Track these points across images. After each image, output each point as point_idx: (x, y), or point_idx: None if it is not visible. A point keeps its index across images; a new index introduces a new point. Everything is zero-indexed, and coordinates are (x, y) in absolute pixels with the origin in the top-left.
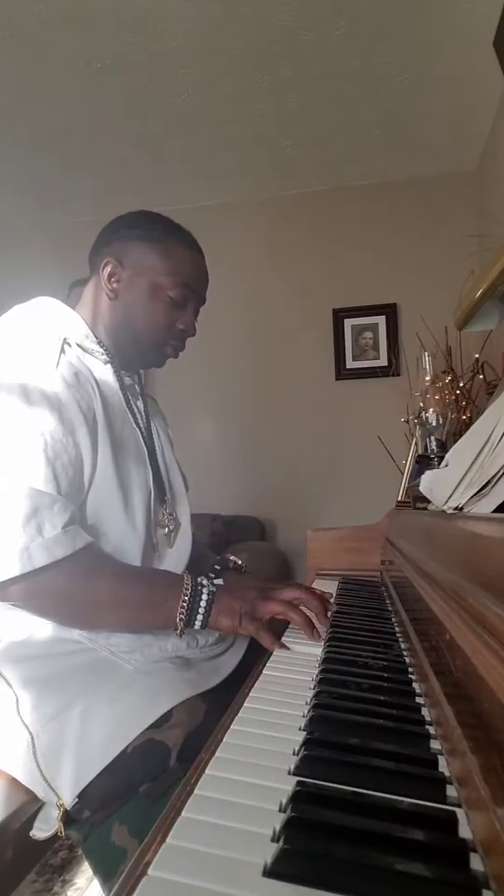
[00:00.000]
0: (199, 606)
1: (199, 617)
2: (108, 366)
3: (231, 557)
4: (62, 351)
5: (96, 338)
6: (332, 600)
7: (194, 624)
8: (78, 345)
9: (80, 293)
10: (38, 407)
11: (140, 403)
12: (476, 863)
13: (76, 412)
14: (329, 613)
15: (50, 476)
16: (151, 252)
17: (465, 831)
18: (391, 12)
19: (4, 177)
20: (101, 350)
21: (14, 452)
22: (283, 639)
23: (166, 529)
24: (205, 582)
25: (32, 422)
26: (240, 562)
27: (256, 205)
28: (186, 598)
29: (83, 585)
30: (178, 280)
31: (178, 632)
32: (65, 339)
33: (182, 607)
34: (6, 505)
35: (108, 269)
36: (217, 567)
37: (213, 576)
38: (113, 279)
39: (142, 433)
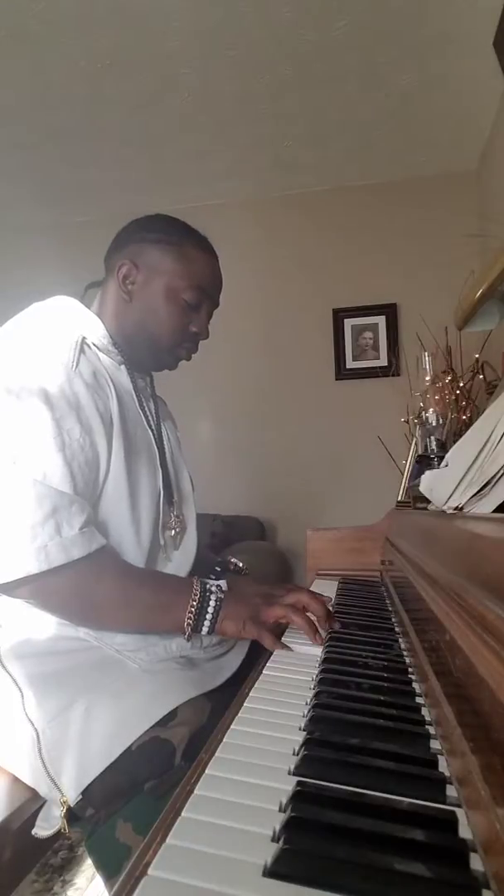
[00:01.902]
0: (207, 612)
1: (207, 623)
2: (123, 367)
3: (232, 559)
4: (81, 350)
5: (111, 339)
6: (331, 604)
7: (202, 629)
8: (94, 345)
9: (94, 294)
10: (56, 407)
11: (151, 405)
12: (476, 863)
13: (94, 413)
14: (330, 624)
15: (67, 476)
16: (166, 255)
17: (465, 831)
18: (391, 12)
19: (4, 176)
20: (116, 351)
21: (33, 452)
22: (283, 639)
23: (173, 531)
24: (213, 588)
25: (51, 421)
26: (241, 564)
27: (256, 205)
28: (195, 603)
29: (95, 586)
30: (192, 283)
31: (186, 637)
32: (83, 338)
33: (190, 612)
34: (25, 503)
35: (124, 270)
36: (217, 569)
37: (213, 577)
38: (128, 281)
39: (153, 435)
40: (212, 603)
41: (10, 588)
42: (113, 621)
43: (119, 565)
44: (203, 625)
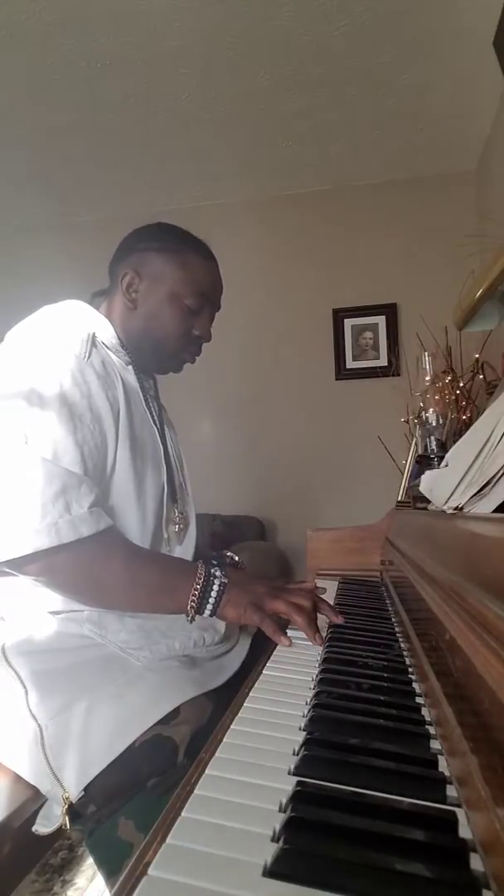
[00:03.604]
0: (210, 595)
1: (210, 606)
2: (130, 367)
3: (228, 553)
4: (93, 345)
5: (120, 340)
6: (330, 602)
7: (204, 612)
8: (104, 343)
9: (99, 303)
10: (69, 393)
11: (156, 406)
12: (476, 863)
13: (103, 402)
14: (327, 635)
15: (78, 457)
16: (168, 262)
17: (465, 831)
18: (391, 12)
19: (5, 176)
20: (124, 352)
21: (45, 432)
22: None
23: (177, 527)
24: (217, 573)
25: (64, 405)
26: (237, 557)
27: (256, 205)
28: (199, 585)
29: (102, 565)
30: (193, 289)
31: (190, 618)
32: (94, 334)
33: (194, 595)
34: (36, 482)
35: (127, 279)
36: (214, 563)
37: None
38: (131, 290)
39: (158, 432)
40: (215, 586)
41: (20, 564)
42: (119, 601)
43: (126, 546)
44: (206, 607)
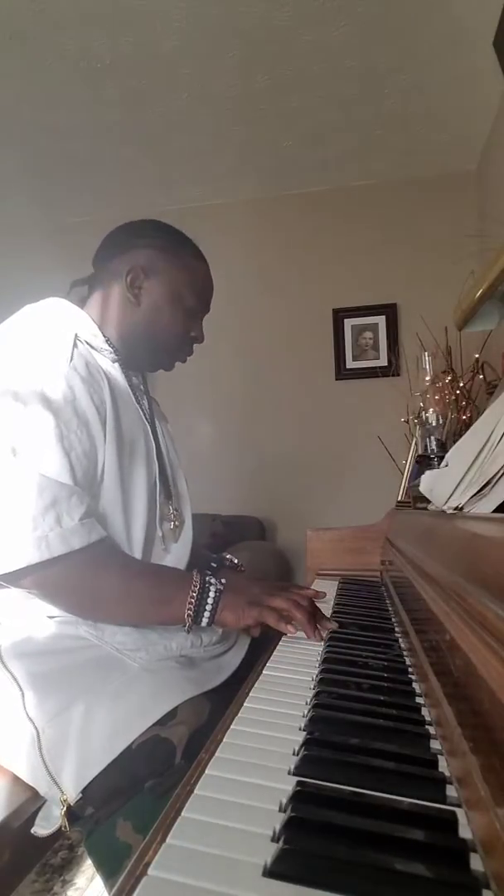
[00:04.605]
0: (207, 604)
1: (206, 614)
2: (116, 364)
3: (228, 556)
4: (75, 346)
5: (104, 337)
6: (330, 602)
7: (201, 621)
8: (87, 342)
9: (79, 292)
10: (54, 400)
11: (146, 402)
12: (476, 863)
13: (89, 405)
14: (326, 634)
15: (66, 467)
16: (173, 263)
17: (465, 831)
18: (391, 12)
19: (3, 176)
20: (109, 349)
21: (32, 443)
22: (283, 639)
23: (172, 525)
24: (212, 580)
25: (49, 414)
26: (236, 560)
27: (256, 205)
28: (194, 595)
29: (95, 577)
30: (194, 290)
31: (187, 628)
32: (76, 335)
33: (190, 605)
34: (26, 494)
35: (132, 275)
36: (213, 564)
37: (209, 573)
38: (135, 286)
39: (149, 429)
40: (211, 594)
41: (14, 578)
42: (113, 613)
43: (119, 558)
44: (203, 616)
